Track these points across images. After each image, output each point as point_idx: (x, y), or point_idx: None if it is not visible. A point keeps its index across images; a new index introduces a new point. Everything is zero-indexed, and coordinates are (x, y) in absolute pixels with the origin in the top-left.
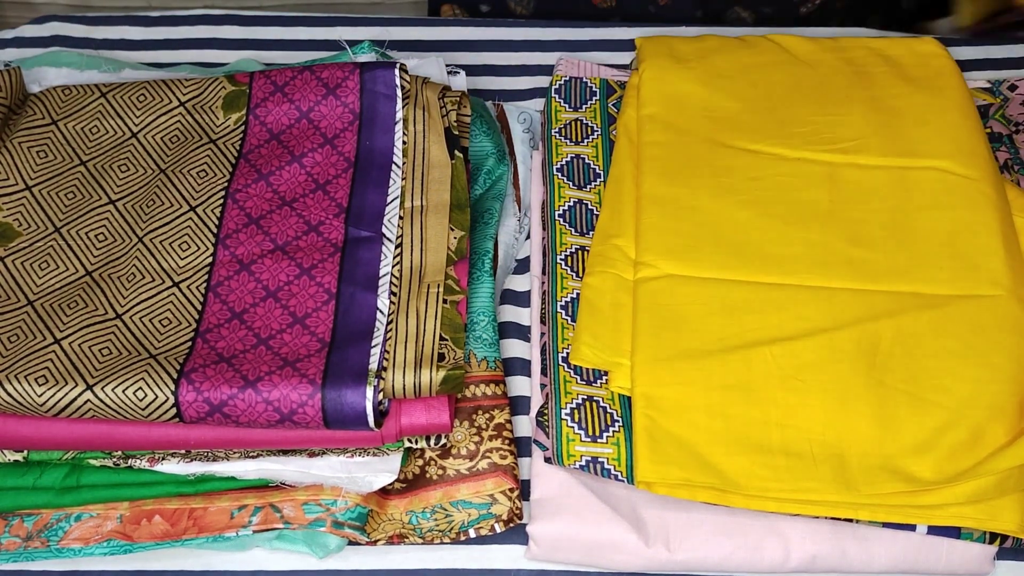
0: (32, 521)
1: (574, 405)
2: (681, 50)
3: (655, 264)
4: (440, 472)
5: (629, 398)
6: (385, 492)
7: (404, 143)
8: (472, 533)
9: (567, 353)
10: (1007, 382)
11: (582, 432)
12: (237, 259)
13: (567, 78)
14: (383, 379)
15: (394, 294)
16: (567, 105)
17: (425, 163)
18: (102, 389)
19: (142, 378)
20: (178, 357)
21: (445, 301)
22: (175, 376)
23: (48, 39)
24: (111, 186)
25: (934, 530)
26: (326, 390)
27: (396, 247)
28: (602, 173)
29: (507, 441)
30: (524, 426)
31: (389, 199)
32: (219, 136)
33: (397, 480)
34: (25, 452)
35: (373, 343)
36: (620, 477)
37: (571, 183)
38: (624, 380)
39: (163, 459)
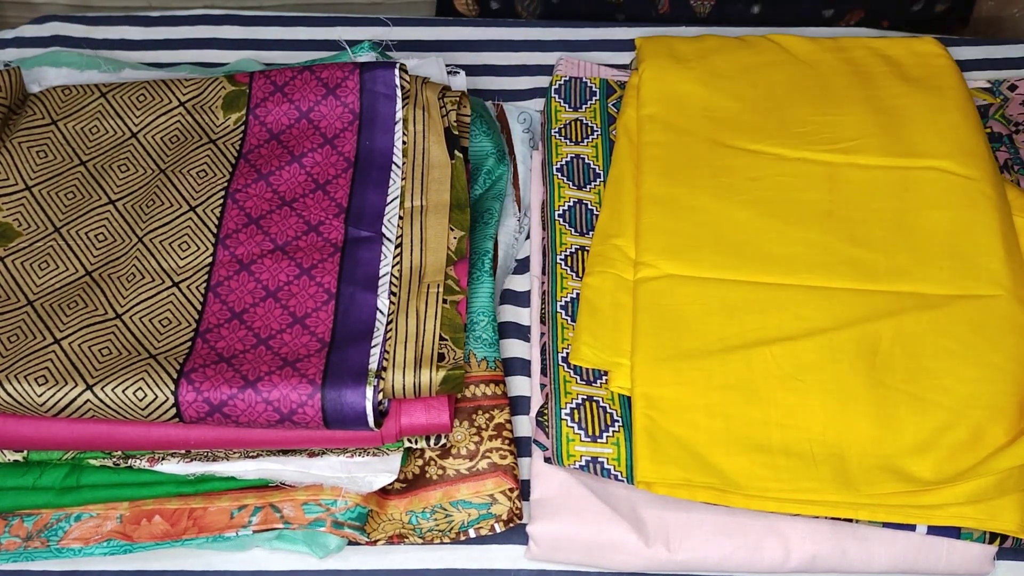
0: (32, 521)
1: (574, 405)
2: (681, 50)
3: (655, 264)
4: (440, 472)
5: (629, 398)
6: (385, 492)
7: (404, 143)
8: (472, 533)
9: (567, 353)
10: (1007, 382)
11: (582, 432)
12: (237, 259)
13: (567, 78)
14: (383, 379)
15: (394, 294)
16: (567, 105)
17: (425, 163)
18: (102, 389)
19: (142, 378)
20: (178, 357)
21: (445, 301)
22: (175, 376)
23: (48, 39)
24: (111, 186)
25: (934, 530)
26: (326, 390)
27: (396, 247)
28: (602, 173)
29: (507, 441)
30: (524, 426)
31: (389, 199)
32: (219, 136)
33: (397, 480)
34: (25, 452)
35: (373, 343)
36: (620, 477)
37: (571, 183)
38: (624, 380)
39: (163, 459)
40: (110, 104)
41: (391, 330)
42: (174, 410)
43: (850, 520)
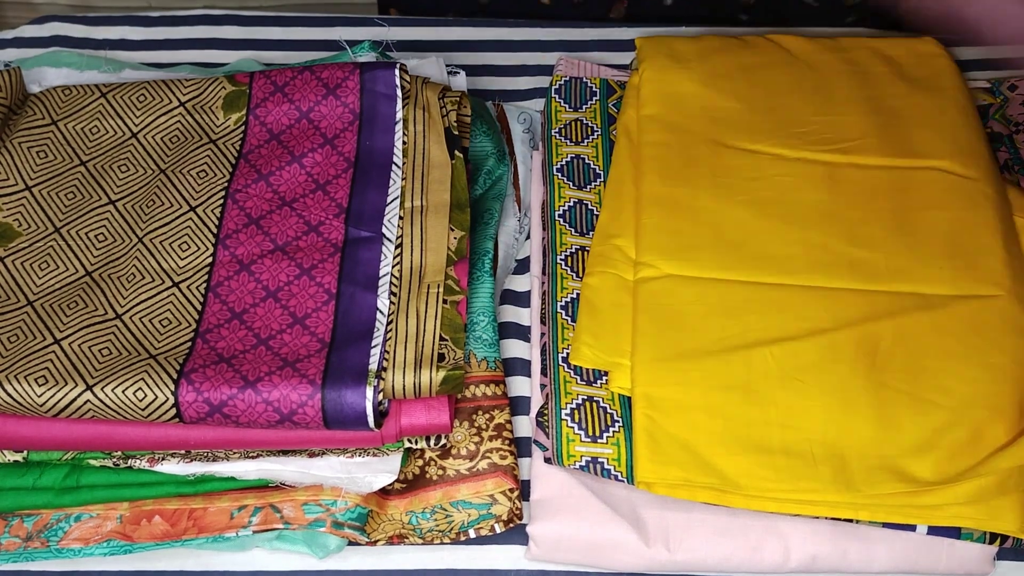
0: (32, 521)
1: (574, 405)
2: (681, 50)
3: (655, 264)
4: (440, 472)
5: (629, 398)
6: (385, 492)
7: (404, 143)
8: (472, 533)
9: (567, 353)
10: (1007, 382)
11: (582, 432)
12: (237, 259)
13: (567, 78)
14: (383, 379)
15: (394, 294)
16: (567, 105)
17: (425, 163)
18: (102, 389)
19: (142, 378)
20: (178, 357)
21: (445, 301)
22: (175, 376)
23: (48, 39)
24: (111, 186)
25: (934, 530)
26: (326, 390)
27: (396, 247)
28: (602, 173)
29: (507, 441)
30: (524, 426)
31: (389, 199)
32: (219, 136)
33: (397, 480)
34: (25, 452)
35: (373, 343)
36: (620, 477)
37: (571, 183)
38: (624, 380)
39: (163, 459)
40: (110, 104)
41: (391, 330)
42: (174, 410)
43: (850, 520)
